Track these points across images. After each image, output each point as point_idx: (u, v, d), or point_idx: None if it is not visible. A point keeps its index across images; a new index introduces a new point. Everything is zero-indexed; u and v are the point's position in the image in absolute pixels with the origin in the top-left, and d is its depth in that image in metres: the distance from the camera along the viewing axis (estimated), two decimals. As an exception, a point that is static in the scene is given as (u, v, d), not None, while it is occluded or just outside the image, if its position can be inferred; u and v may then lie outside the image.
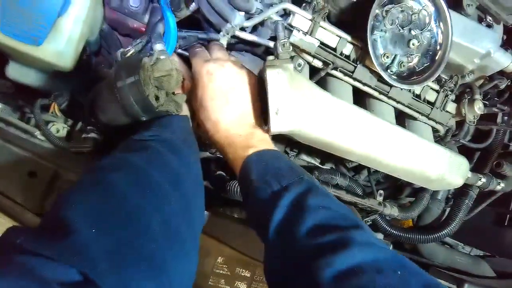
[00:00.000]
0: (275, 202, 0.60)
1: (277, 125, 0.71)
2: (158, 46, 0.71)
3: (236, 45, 0.86)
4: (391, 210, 1.07)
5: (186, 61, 0.81)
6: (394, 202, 1.41)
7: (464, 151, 1.11)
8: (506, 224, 1.19)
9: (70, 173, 0.65)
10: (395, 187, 1.34)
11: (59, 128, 0.69)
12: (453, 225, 1.15)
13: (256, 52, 0.94)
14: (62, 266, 0.38)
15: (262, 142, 0.72)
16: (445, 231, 1.13)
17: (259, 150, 0.70)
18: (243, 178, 0.68)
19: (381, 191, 1.11)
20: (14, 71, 0.79)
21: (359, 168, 1.28)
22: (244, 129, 0.72)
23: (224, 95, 0.72)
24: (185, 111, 0.74)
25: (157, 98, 0.66)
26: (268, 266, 0.59)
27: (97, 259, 0.40)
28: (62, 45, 0.69)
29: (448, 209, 1.24)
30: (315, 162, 1.24)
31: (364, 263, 0.48)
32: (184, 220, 0.53)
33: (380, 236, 1.40)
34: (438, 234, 1.13)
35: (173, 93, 0.69)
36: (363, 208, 1.08)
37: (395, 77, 0.85)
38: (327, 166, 1.24)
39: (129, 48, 0.72)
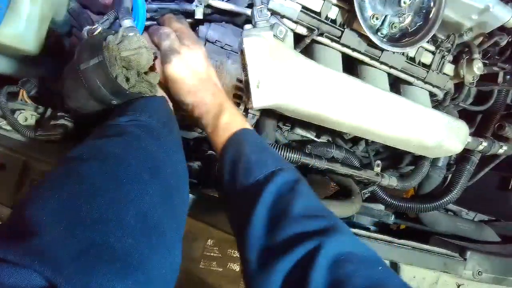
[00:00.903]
0: (271, 178, 0.59)
1: (260, 99, 0.67)
2: (126, 22, 0.66)
3: (213, 16, 0.80)
4: (390, 181, 1.03)
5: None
6: (394, 171, 1.38)
7: (464, 115, 1.06)
8: (510, 187, 1.15)
9: (42, 164, 0.61)
10: (394, 157, 1.30)
11: (27, 116, 0.65)
12: (455, 192, 1.11)
13: (237, 23, 0.88)
14: (24, 271, 0.35)
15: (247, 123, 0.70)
16: (447, 198, 1.10)
17: (251, 129, 0.68)
18: (231, 151, 0.65)
19: (379, 162, 1.07)
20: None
21: (357, 140, 1.23)
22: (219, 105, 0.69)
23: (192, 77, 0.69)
24: (160, 91, 0.70)
25: (127, 79, 0.61)
26: (250, 245, 0.56)
27: (62, 262, 0.36)
28: (21, 27, 0.64)
29: (449, 176, 1.20)
30: (310, 135, 1.20)
31: (350, 252, 0.49)
32: (165, 211, 0.50)
33: (380, 207, 1.38)
34: (439, 202, 1.09)
35: (145, 73, 0.64)
36: (361, 180, 1.04)
37: (386, 40, 0.80)
38: (323, 139, 1.20)
39: (95, 26, 0.67)
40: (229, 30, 0.90)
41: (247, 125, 0.69)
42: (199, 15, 0.76)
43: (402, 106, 0.82)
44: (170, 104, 0.70)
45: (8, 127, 0.63)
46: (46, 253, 0.37)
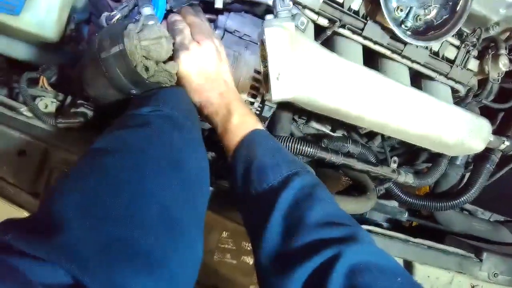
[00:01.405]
0: (287, 183, 0.58)
1: (279, 92, 0.66)
2: (146, 10, 0.65)
3: (232, 5, 0.78)
4: (406, 178, 1.01)
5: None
6: (410, 168, 1.35)
7: (485, 111, 1.03)
8: (530, 188, 1.12)
9: (61, 151, 0.62)
10: (411, 153, 1.28)
11: (47, 103, 0.65)
12: (473, 191, 1.08)
13: (257, 13, 0.87)
14: (50, 266, 0.35)
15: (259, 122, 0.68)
16: (464, 197, 1.07)
17: (263, 130, 0.67)
18: (242, 155, 0.63)
19: (395, 158, 1.05)
20: (1, 44, 0.75)
21: (372, 134, 1.21)
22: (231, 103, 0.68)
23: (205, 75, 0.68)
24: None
25: (146, 68, 0.60)
26: (266, 251, 0.55)
27: (87, 258, 0.37)
28: (42, 14, 0.64)
29: (467, 174, 1.18)
30: (326, 129, 1.19)
31: (369, 262, 0.48)
32: (187, 205, 0.49)
33: (395, 203, 1.36)
34: (456, 201, 1.07)
35: (164, 63, 0.64)
36: (376, 176, 1.03)
37: (410, 33, 0.77)
38: (339, 133, 1.18)
39: (114, 13, 0.66)
40: (248, 20, 0.89)
41: (259, 125, 0.67)
42: (219, 4, 0.75)
43: (423, 102, 0.80)
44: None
45: (29, 114, 0.63)
46: (72, 249, 0.37)
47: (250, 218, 0.62)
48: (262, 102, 0.93)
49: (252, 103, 0.95)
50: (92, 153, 0.50)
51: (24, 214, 0.62)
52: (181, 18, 0.72)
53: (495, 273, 0.91)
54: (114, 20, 0.68)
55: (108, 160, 0.48)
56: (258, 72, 0.89)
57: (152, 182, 0.47)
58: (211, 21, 0.87)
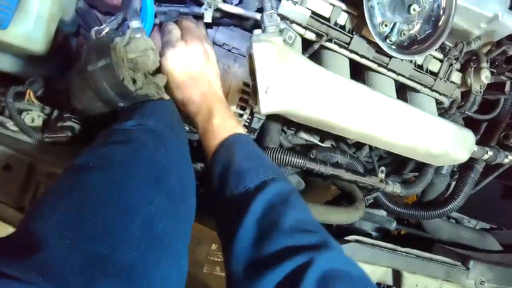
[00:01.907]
0: (262, 187, 0.57)
1: (268, 105, 0.66)
2: (134, 24, 0.66)
3: (222, 20, 0.79)
4: (394, 187, 1.03)
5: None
6: (397, 177, 1.38)
7: (469, 122, 1.06)
8: (513, 197, 1.14)
9: (48, 165, 0.61)
10: (398, 162, 1.30)
11: (34, 117, 0.64)
12: (458, 200, 1.11)
13: (246, 27, 0.88)
14: (27, 286, 0.34)
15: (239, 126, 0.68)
16: (450, 206, 1.10)
17: (244, 134, 0.67)
18: (221, 157, 0.63)
19: (383, 168, 1.07)
20: (-14, 57, 0.74)
21: (360, 145, 1.23)
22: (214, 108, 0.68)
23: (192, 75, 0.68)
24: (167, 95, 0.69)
25: (134, 81, 0.61)
26: (236, 256, 0.54)
27: (66, 277, 0.36)
28: (30, 27, 0.64)
29: (453, 183, 1.20)
30: (315, 140, 1.20)
31: (341, 270, 0.49)
32: (170, 219, 0.49)
33: (383, 213, 1.38)
34: (443, 210, 1.09)
35: (152, 75, 0.64)
36: (365, 186, 1.04)
37: (394, 47, 0.79)
38: (327, 144, 1.20)
39: (103, 27, 0.67)
40: (237, 33, 0.90)
41: (240, 129, 0.67)
42: (207, 18, 0.75)
43: (409, 113, 0.82)
44: (176, 107, 0.70)
45: (15, 128, 0.63)
46: (50, 269, 0.36)
47: (223, 220, 0.61)
48: (251, 114, 0.94)
49: (241, 115, 0.96)
50: (73, 170, 0.50)
51: (9, 229, 0.61)
52: (173, 23, 0.73)
53: (482, 281, 0.93)
54: (103, 33, 0.68)
55: (88, 177, 0.47)
56: (247, 85, 0.90)
57: (134, 197, 0.47)
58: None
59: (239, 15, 0.74)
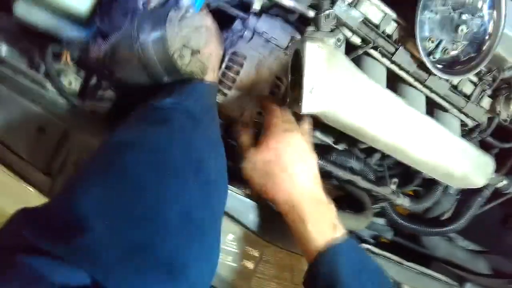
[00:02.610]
0: None
1: (310, 105, 0.65)
2: (185, 1, 0.64)
3: (269, 9, 0.77)
4: (403, 201, 1.04)
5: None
6: (400, 189, 1.39)
7: (480, 145, 1.06)
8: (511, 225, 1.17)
9: (82, 134, 0.59)
10: (405, 175, 1.31)
11: (72, 80, 0.62)
12: (461, 221, 1.12)
13: (289, 19, 0.86)
14: (70, 267, 0.34)
15: (337, 226, 0.61)
16: (453, 226, 1.11)
17: (343, 239, 0.60)
18: (324, 272, 0.57)
19: (395, 179, 1.07)
20: (23, 8, 0.71)
21: (371, 151, 1.23)
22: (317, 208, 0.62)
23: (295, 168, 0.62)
24: (210, 76, 0.67)
25: (181, 57, 0.59)
26: None
27: (110, 263, 0.36)
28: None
29: (456, 203, 1.22)
30: (329, 140, 1.20)
31: None
32: (206, 209, 0.48)
33: (381, 221, 1.39)
34: (445, 229, 1.11)
35: (199, 53, 0.62)
36: (376, 195, 1.05)
37: (437, 65, 0.79)
38: (341, 146, 1.20)
39: (152, -2, 0.64)
40: (278, 24, 0.88)
41: (339, 230, 0.60)
42: (257, 5, 0.74)
43: (438, 132, 0.82)
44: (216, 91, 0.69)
45: (53, 90, 0.60)
46: (95, 253, 0.36)
47: None
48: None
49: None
50: (111, 146, 0.49)
51: (34, 192, 0.59)
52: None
53: (475, 304, 0.96)
54: (151, 5, 0.65)
55: (127, 156, 0.46)
56: (279, 78, 0.89)
57: (173, 184, 0.46)
58: (242, 19, 0.85)
59: (290, 8, 0.73)
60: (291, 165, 0.61)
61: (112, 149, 0.48)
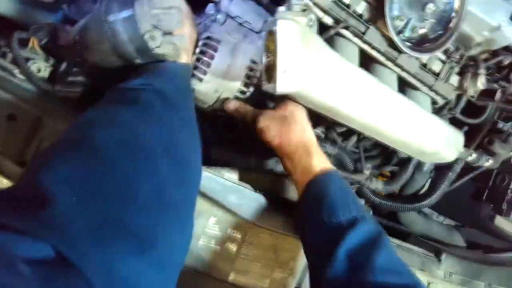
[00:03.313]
0: (354, 224, 0.62)
1: (284, 84, 0.66)
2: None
3: (241, -9, 0.77)
4: (377, 184, 1.07)
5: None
6: (376, 170, 1.42)
7: (450, 122, 1.10)
8: (484, 198, 1.22)
9: (55, 120, 0.57)
10: (382, 156, 1.35)
11: (41, 67, 0.60)
12: (434, 196, 1.16)
13: (261, 1, 0.86)
14: (33, 241, 0.33)
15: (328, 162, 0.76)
16: (426, 201, 1.15)
17: (332, 170, 0.75)
18: (315, 192, 0.70)
19: (369, 165, 1.09)
20: (-16, -4, 0.68)
21: (348, 134, 1.26)
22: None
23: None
24: (184, 58, 0.67)
25: (153, 38, 0.58)
26: (328, 279, 0.58)
27: (77, 236, 0.35)
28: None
29: (429, 179, 1.26)
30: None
31: None
32: (179, 187, 0.48)
33: (361, 202, 1.43)
34: (419, 204, 1.15)
35: (170, 34, 0.61)
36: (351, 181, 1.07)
37: (407, 43, 0.81)
38: (318, 130, 1.21)
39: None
40: (251, 7, 0.88)
41: (331, 166, 0.75)
42: (229, -12, 0.73)
43: (411, 110, 0.85)
44: (191, 72, 0.69)
45: (22, 77, 0.58)
46: (61, 226, 0.35)
47: (315, 250, 0.67)
48: (256, 91, 0.93)
49: (243, 92, 0.95)
50: (80, 124, 0.48)
51: (6, 182, 0.58)
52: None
53: (450, 273, 1.00)
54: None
55: (97, 134, 0.46)
56: (254, 62, 0.89)
57: (142, 161, 0.46)
58: (215, 2, 0.85)
59: (262, -12, 0.73)
60: (301, 120, 0.78)
61: (80, 127, 0.47)
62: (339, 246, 0.59)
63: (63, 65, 0.63)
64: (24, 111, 0.57)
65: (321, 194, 0.68)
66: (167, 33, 0.58)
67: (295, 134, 0.76)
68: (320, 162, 0.74)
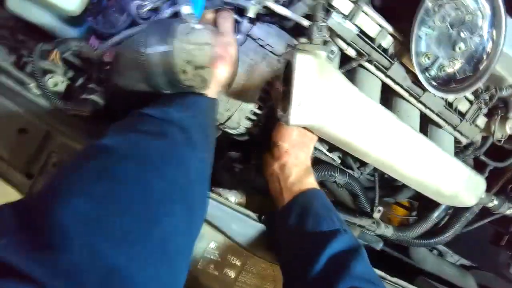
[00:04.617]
0: (336, 235, 0.66)
1: (298, 118, 0.65)
2: (186, 9, 0.63)
3: (264, 17, 0.76)
4: (385, 231, 1.01)
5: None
6: (390, 199, 1.37)
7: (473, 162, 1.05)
8: (503, 244, 1.16)
9: (64, 137, 0.58)
10: (397, 187, 1.30)
11: (58, 81, 0.61)
12: (447, 235, 1.11)
13: (284, 26, 0.85)
14: None
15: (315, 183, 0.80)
16: (438, 239, 1.10)
17: (316, 188, 0.77)
18: (301, 203, 0.73)
19: (380, 208, 1.04)
20: (15, 3, 0.70)
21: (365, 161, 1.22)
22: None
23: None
24: (212, 92, 0.65)
25: (183, 72, 0.58)
26: (309, 279, 0.62)
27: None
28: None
29: (447, 217, 1.21)
30: (323, 148, 1.19)
31: None
32: (185, 236, 0.47)
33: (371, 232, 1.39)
34: (430, 241, 1.10)
35: (201, 68, 0.61)
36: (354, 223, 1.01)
37: (432, 82, 0.78)
38: (335, 155, 1.18)
39: (146, 3, 0.63)
40: (274, 31, 0.87)
41: (318, 187, 0.78)
42: (251, 13, 0.73)
43: (430, 150, 0.81)
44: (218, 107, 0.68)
45: (37, 91, 0.59)
46: (75, 277, 0.35)
47: (295, 252, 0.69)
48: (271, 115, 0.92)
49: (256, 114, 0.93)
50: (101, 151, 0.46)
51: (13, 191, 0.58)
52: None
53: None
54: (145, 10, 0.65)
55: (119, 165, 0.44)
56: (269, 85, 0.87)
57: (159, 205, 0.44)
58: (236, 22, 0.84)
59: (286, 17, 0.72)
60: (313, 142, 0.85)
61: (101, 154, 0.46)
62: (322, 252, 0.63)
63: (80, 80, 0.63)
64: (35, 125, 0.58)
65: (306, 206, 0.72)
66: (198, 67, 0.58)
67: (305, 153, 0.80)
68: (314, 182, 0.78)
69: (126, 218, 0.40)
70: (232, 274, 0.77)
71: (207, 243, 0.74)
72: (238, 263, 0.76)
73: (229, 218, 0.72)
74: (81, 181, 0.42)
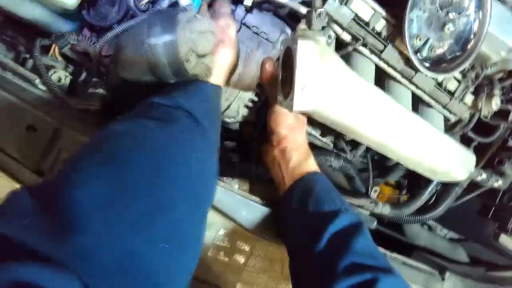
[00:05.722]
0: (337, 214, 0.67)
1: (301, 103, 0.66)
2: (184, 0, 0.63)
3: (262, 4, 0.77)
4: (383, 209, 1.06)
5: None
6: (381, 179, 1.42)
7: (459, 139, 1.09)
8: (490, 216, 1.22)
9: (74, 133, 0.58)
10: (389, 167, 1.34)
11: (61, 76, 0.60)
12: (440, 209, 1.16)
13: (279, 13, 0.86)
14: (67, 275, 0.33)
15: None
16: (430, 214, 1.15)
17: (317, 171, 0.79)
18: (303, 186, 0.75)
19: (376, 188, 1.08)
20: (6, -1, 0.68)
21: (356, 143, 1.26)
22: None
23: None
24: (216, 78, 0.66)
25: (187, 60, 0.59)
26: (314, 256, 0.64)
27: (107, 272, 0.35)
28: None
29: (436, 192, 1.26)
30: (316, 133, 1.21)
31: None
32: (195, 221, 0.48)
33: (366, 211, 1.43)
34: (422, 217, 1.14)
35: (203, 56, 0.62)
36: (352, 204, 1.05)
37: (424, 63, 0.81)
38: (327, 139, 1.21)
39: (144, -6, 0.63)
40: (269, 18, 0.88)
41: (318, 169, 0.80)
42: (247, 2, 0.73)
43: (424, 129, 0.85)
44: (222, 92, 0.69)
45: (43, 87, 0.59)
46: (93, 259, 0.35)
47: (300, 235, 0.71)
48: (265, 102, 0.93)
49: (254, 102, 0.95)
50: (113, 134, 0.47)
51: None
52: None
53: (453, 291, 1.00)
54: (143, 2, 0.64)
55: (131, 148, 0.45)
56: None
57: (173, 190, 0.45)
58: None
59: (283, 4, 0.73)
60: (304, 126, 0.87)
61: (113, 137, 0.46)
62: (325, 231, 0.65)
63: (83, 75, 0.63)
64: (43, 122, 0.57)
65: (308, 189, 0.74)
66: (201, 56, 0.58)
67: (302, 136, 0.83)
68: (314, 164, 0.81)
69: (140, 202, 0.41)
70: (241, 259, 0.78)
71: (217, 230, 0.75)
72: (246, 248, 0.78)
73: (237, 204, 0.74)
74: (96, 164, 0.42)
